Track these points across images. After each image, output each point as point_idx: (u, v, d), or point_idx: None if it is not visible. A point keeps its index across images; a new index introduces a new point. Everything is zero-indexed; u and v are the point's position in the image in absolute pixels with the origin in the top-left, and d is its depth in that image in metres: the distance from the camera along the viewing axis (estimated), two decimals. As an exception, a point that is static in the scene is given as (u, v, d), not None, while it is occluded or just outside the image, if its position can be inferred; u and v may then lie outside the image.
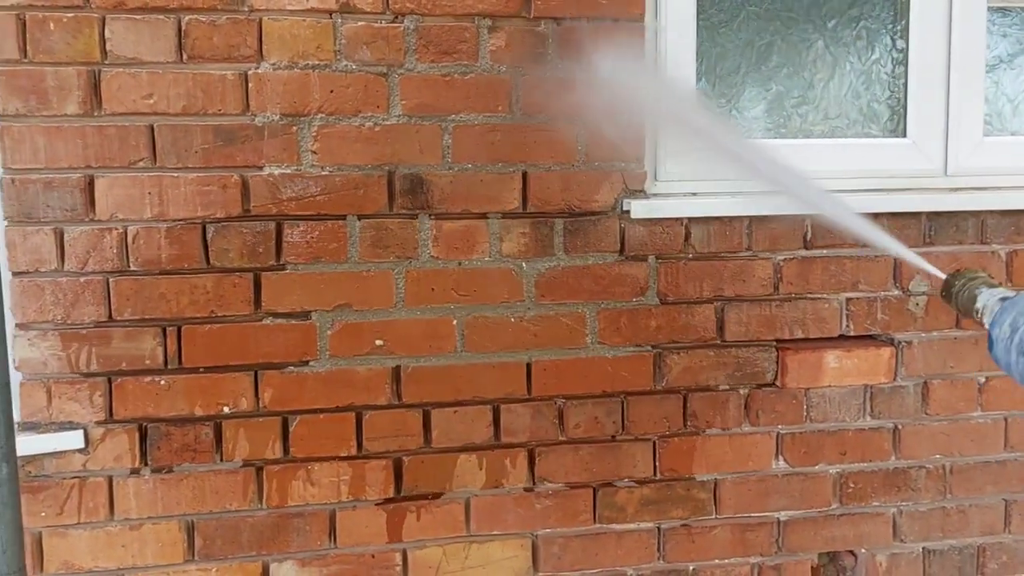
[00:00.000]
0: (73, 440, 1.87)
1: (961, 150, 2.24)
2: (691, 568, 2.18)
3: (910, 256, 1.76)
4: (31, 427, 1.87)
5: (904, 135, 2.25)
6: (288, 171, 1.91)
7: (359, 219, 1.94)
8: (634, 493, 2.13)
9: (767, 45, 2.21)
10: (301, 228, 1.93)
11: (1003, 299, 1.44)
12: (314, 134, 1.91)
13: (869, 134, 2.26)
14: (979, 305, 1.51)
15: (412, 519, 2.04)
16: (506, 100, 1.98)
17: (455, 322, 2.01)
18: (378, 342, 1.98)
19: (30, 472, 1.87)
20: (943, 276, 1.66)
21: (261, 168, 1.90)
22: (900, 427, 2.25)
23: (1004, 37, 2.32)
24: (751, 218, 2.11)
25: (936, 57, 2.22)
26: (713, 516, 2.18)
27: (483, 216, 2.00)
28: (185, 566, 1.96)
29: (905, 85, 2.24)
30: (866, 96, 2.26)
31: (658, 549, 2.16)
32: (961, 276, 1.60)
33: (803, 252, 2.15)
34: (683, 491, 2.15)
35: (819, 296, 2.17)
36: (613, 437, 2.11)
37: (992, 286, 1.53)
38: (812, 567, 2.25)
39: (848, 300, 2.19)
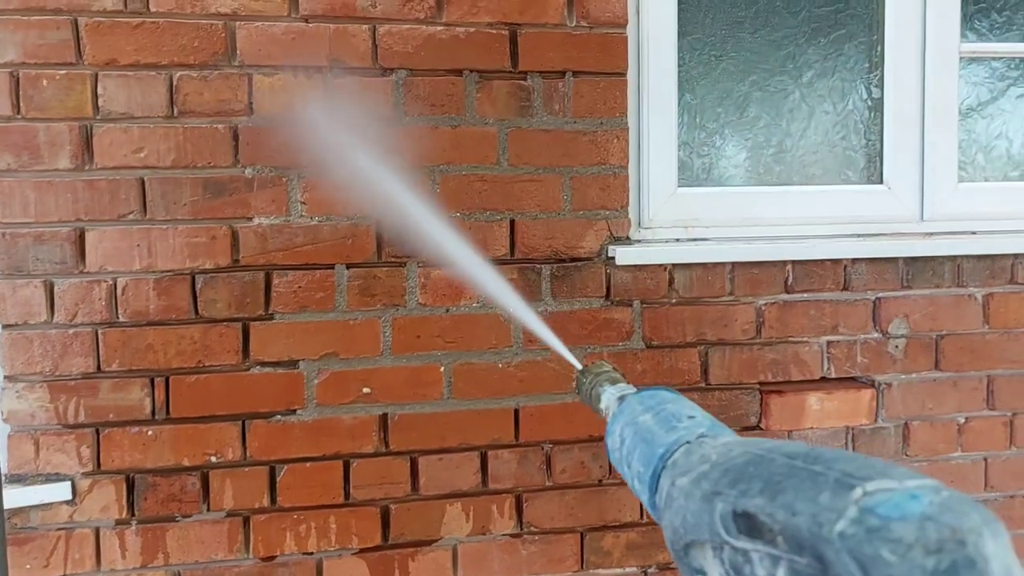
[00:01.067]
0: (60, 492, 1.87)
1: (937, 196, 2.29)
2: (678, 612, 2.18)
3: (557, 346, 1.61)
4: (18, 479, 1.87)
5: (880, 182, 2.31)
6: (277, 222, 1.93)
7: (347, 268, 1.97)
8: (620, 538, 2.14)
9: (745, 96, 2.26)
10: (289, 278, 1.95)
11: (620, 398, 1.26)
12: (303, 185, 1.94)
13: (846, 181, 2.32)
14: (603, 406, 1.32)
15: (399, 567, 2.04)
16: (493, 151, 2.02)
17: (442, 369, 2.03)
18: (365, 390, 2.00)
19: (16, 524, 1.86)
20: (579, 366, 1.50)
21: (250, 219, 1.92)
22: (882, 468, 2.27)
23: (976, 86, 2.39)
24: (733, 263, 2.15)
25: (910, 105, 2.28)
26: (699, 559, 2.19)
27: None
28: (172, 617, 1.95)
29: (881, 133, 2.30)
30: (842, 144, 2.31)
31: (645, 593, 2.17)
32: (588, 372, 1.42)
33: (784, 296, 2.19)
34: (669, 535, 2.17)
35: (800, 339, 2.21)
36: (600, 482, 2.13)
37: (615, 382, 1.35)
38: (798, 609, 2.26)
39: (829, 343, 2.23)
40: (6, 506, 1.83)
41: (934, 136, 2.28)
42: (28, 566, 1.87)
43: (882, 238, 2.25)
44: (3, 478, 1.85)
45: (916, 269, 2.25)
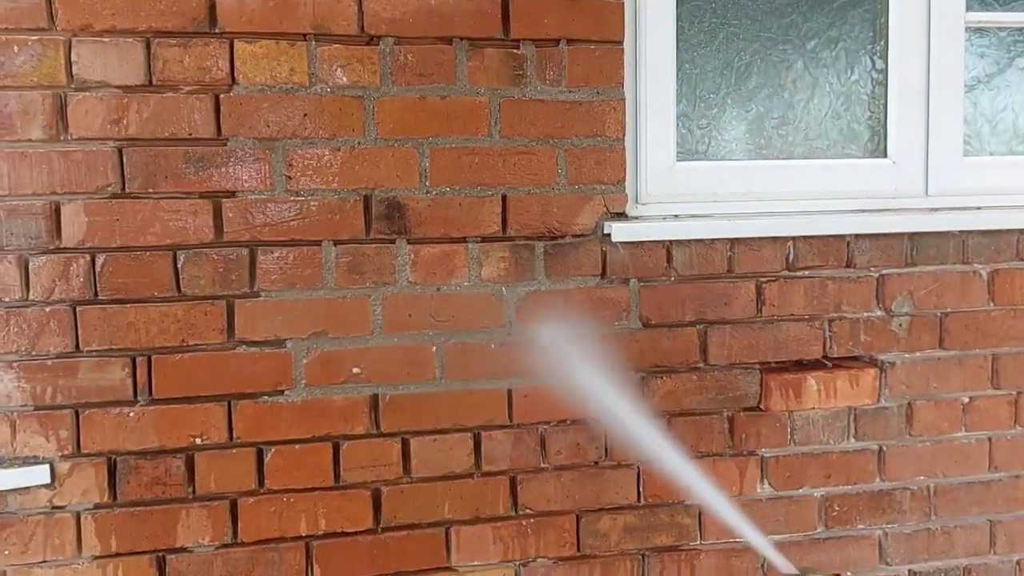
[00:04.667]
0: (38, 475, 1.80)
1: (941, 170, 2.23)
2: (676, 596, 2.14)
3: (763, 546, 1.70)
4: (-6, 463, 1.81)
5: (885, 155, 2.24)
6: (262, 196, 1.86)
7: (335, 245, 1.90)
8: (617, 520, 2.09)
9: (746, 66, 2.19)
10: (275, 254, 1.88)
11: None
12: (288, 158, 1.87)
13: (850, 154, 2.25)
14: None
15: (392, 551, 1.99)
16: (484, 123, 1.95)
17: (434, 349, 1.97)
18: (355, 370, 1.94)
19: (-7, 509, 1.81)
20: (794, 571, 1.57)
21: (234, 193, 1.85)
22: (884, 449, 2.23)
23: (981, 57, 2.33)
24: (733, 240, 2.09)
25: (915, 77, 2.21)
26: (698, 541, 2.15)
27: (462, 240, 1.96)
28: (156, 604, 1.90)
29: (885, 105, 2.23)
30: (846, 116, 2.25)
31: (642, 575, 2.12)
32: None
33: (785, 274, 2.13)
34: (667, 517, 2.12)
35: (802, 318, 2.15)
36: (596, 463, 2.08)
37: None
38: (798, 592, 2.22)
39: (831, 322, 2.17)
40: (-17, 490, 1.77)
41: (939, 108, 2.22)
42: (6, 552, 1.81)
43: (886, 213, 2.19)
44: (-21, 461, 1.80)
45: (920, 245, 2.19)
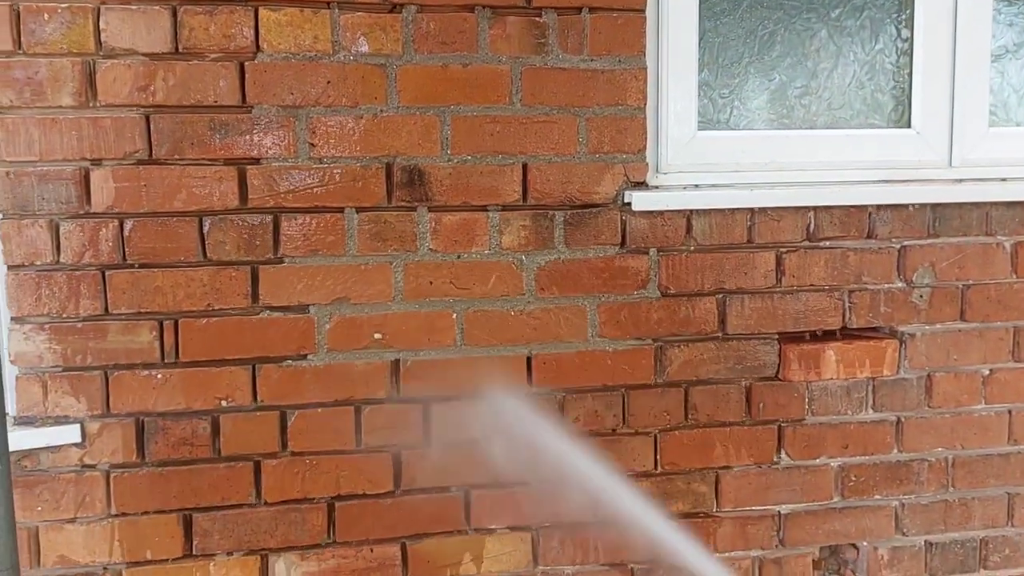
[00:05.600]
0: (69, 435, 1.86)
1: (966, 141, 2.21)
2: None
3: None
4: (27, 421, 1.86)
5: (909, 125, 2.23)
6: (285, 163, 1.89)
7: (357, 212, 1.93)
8: (634, 487, 2.12)
9: (770, 34, 2.18)
10: (299, 221, 1.91)
11: None
12: (311, 126, 1.89)
13: (873, 124, 2.24)
14: None
15: (411, 513, 2.02)
16: (506, 91, 1.96)
17: (454, 315, 1.99)
18: (376, 336, 1.96)
19: (26, 467, 1.86)
20: None
21: (258, 160, 1.88)
22: (903, 420, 2.23)
23: (1010, 26, 2.29)
24: (753, 210, 2.09)
25: (941, 46, 2.19)
26: (714, 509, 2.17)
27: (483, 209, 1.98)
28: (183, 561, 1.94)
29: (910, 75, 2.21)
30: (870, 86, 2.23)
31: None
32: None
33: (806, 244, 2.13)
34: (683, 484, 2.14)
35: (822, 288, 2.15)
36: (613, 430, 2.10)
37: None
38: (813, 560, 2.23)
39: (851, 292, 2.17)
40: (15, 447, 1.82)
41: (965, 78, 2.19)
42: (39, 508, 1.87)
43: (909, 184, 2.18)
44: (12, 420, 1.85)
45: (943, 216, 2.18)
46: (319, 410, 1.97)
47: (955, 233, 2.19)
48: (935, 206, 2.17)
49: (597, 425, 2.08)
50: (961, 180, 2.21)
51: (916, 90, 2.21)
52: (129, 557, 1.92)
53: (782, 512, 2.20)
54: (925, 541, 2.28)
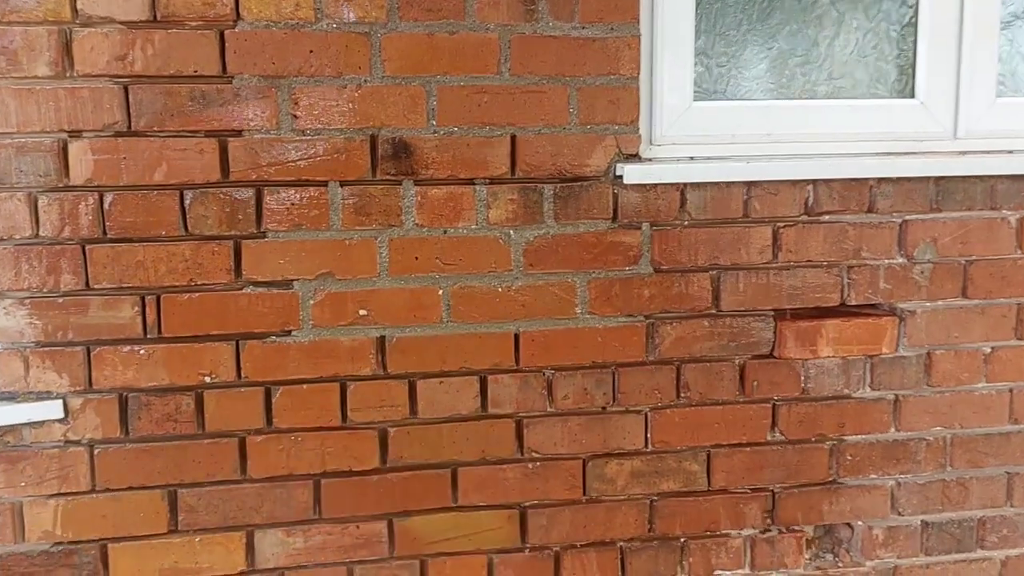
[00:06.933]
0: (51, 410, 1.84)
1: (972, 112, 2.14)
2: (682, 540, 2.15)
3: None
4: (9, 397, 1.84)
5: (912, 96, 2.15)
6: (267, 136, 1.85)
7: (341, 185, 1.88)
8: (624, 465, 2.09)
9: (769, 1, 2.10)
10: (281, 194, 1.87)
11: None
12: (294, 97, 1.84)
13: (876, 95, 2.17)
14: None
15: (398, 490, 2.01)
16: (494, 60, 1.90)
17: (441, 292, 1.96)
18: (362, 312, 1.93)
19: (9, 442, 1.85)
20: None
21: (240, 132, 1.84)
22: (901, 398, 2.19)
23: (1020, -9, 2.21)
24: (750, 184, 2.04)
25: (948, 13, 2.11)
26: (706, 488, 2.14)
27: (469, 182, 1.93)
28: (169, 537, 1.94)
29: (915, 43, 2.14)
30: (873, 55, 2.15)
31: (649, 521, 2.12)
32: None
33: (804, 218, 2.08)
34: (675, 463, 2.11)
35: (820, 265, 2.10)
36: (603, 408, 2.07)
37: None
38: (807, 540, 2.21)
39: (850, 268, 2.12)
40: (-1, 423, 1.82)
41: (972, 47, 2.12)
42: (23, 484, 1.86)
43: (912, 156, 2.11)
44: (-7, 395, 1.84)
45: (946, 190, 2.11)
46: (304, 387, 1.95)
47: (959, 207, 2.13)
48: (938, 179, 2.10)
49: (586, 403, 2.05)
50: (966, 152, 2.14)
51: (921, 59, 2.13)
52: (114, 533, 1.92)
53: (775, 491, 2.17)
54: (921, 521, 2.25)
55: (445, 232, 1.94)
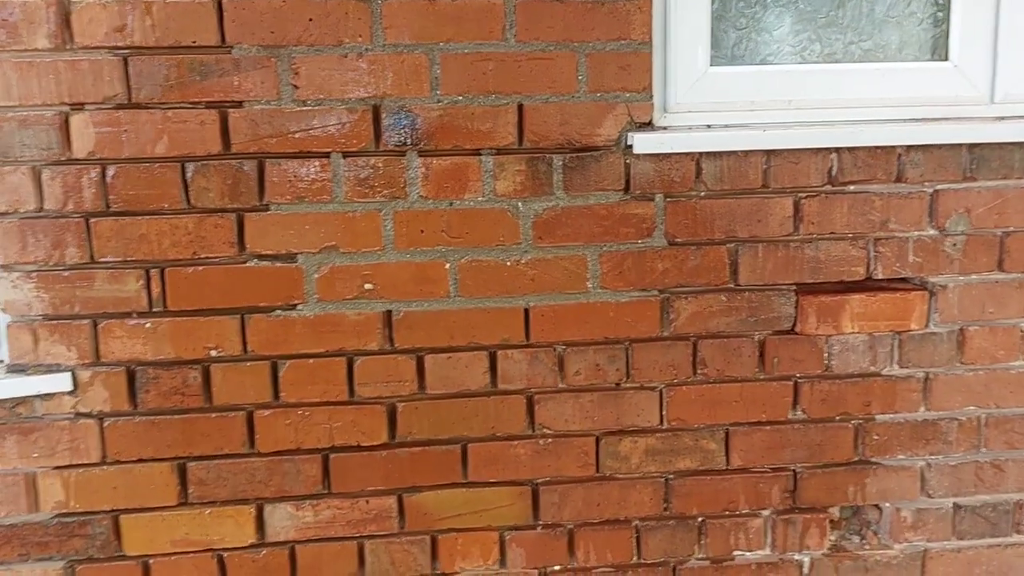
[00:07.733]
0: (61, 383, 1.85)
1: (1010, 75, 2.02)
2: (699, 520, 2.09)
3: None
4: (19, 369, 1.86)
5: (946, 58, 2.03)
6: (268, 106, 1.82)
7: (343, 157, 1.85)
8: (639, 442, 2.04)
9: (792, -41, 2.00)
10: (283, 166, 1.84)
11: None
12: (294, 66, 1.81)
13: (907, 58, 2.05)
14: None
15: (407, 465, 1.99)
16: (499, 26, 1.84)
17: (448, 266, 1.92)
18: (367, 286, 1.90)
19: (21, 414, 1.87)
20: None
21: (240, 104, 1.81)
22: (931, 376, 2.09)
23: (1068, -56, 2.06)
24: (769, 152, 1.95)
25: (987, -31, 1.99)
26: (724, 467, 2.08)
27: (475, 153, 1.88)
28: (179, 509, 1.95)
29: (948, 3, 2.01)
30: (903, 15, 2.04)
31: (664, 500, 2.07)
32: None
33: (828, 188, 1.98)
34: (691, 441, 2.05)
35: (844, 237, 2.01)
36: (617, 385, 2.01)
37: None
38: (832, 521, 2.13)
39: (877, 241, 2.02)
40: (9, 395, 1.83)
41: (1011, 5, 1.98)
42: (35, 455, 1.89)
43: (944, 122, 2.00)
44: (4, 367, 1.85)
45: (981, 157, 2.00)
46: (310, 361, 1.93)
47: (994, 176, 2.01)
48: (972, 146, 1.99)
49: (599, 379, 2.00)
50: (1003, 118, 2.02)
51: (955, 19, 2.00)
52: (126, 504, 1.93)
53: (797, 471, 2.10)
54: (953, 503, 2.16)
55: (451, 204, 1.89)
